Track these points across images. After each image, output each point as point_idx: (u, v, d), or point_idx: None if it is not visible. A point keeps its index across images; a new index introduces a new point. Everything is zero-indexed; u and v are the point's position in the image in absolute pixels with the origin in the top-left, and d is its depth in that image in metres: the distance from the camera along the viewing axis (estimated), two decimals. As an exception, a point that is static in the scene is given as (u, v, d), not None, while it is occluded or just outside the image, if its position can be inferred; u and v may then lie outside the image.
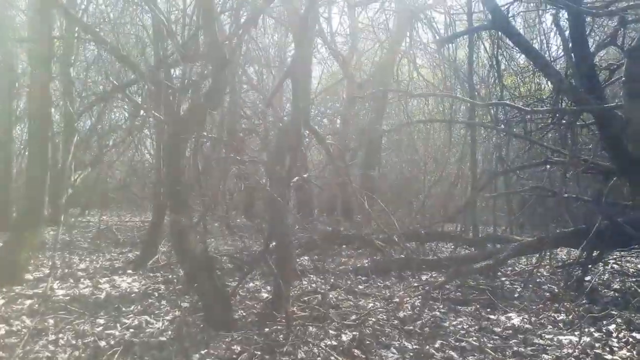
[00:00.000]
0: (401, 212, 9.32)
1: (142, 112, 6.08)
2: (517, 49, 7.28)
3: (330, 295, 4.88)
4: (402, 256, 6.43)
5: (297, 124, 4.43)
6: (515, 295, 5.15)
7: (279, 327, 3.81)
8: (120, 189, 8.55)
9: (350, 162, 7.65)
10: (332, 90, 14.20)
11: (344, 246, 8.14)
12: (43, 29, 5.72)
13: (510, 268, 6.50)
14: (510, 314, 4.44)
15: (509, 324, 4.14)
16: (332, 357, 3.21)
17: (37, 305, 4.48)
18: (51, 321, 4.02)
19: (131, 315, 4.27)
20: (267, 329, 3.78)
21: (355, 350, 3.38)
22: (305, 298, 4.70)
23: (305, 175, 6.30)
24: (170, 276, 5.83)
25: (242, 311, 4.36)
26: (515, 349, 3.54)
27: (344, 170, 6.28)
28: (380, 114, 12.12)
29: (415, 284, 5.56)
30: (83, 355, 3.33)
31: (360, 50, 13.89)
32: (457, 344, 3.64)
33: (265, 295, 4.95)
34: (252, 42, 4.62)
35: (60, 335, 3.69)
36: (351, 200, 12.59)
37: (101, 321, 4.07)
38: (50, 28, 6.12)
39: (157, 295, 5.04)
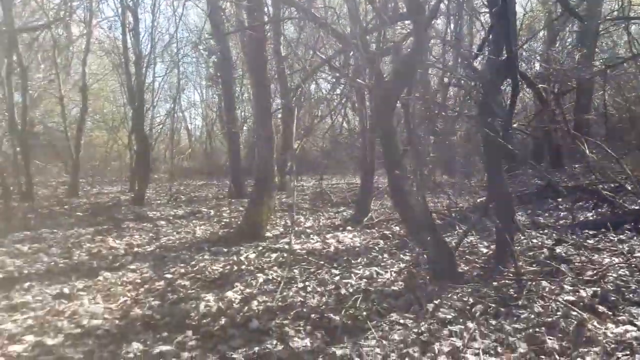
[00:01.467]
0: (631, 158, 8.15)
1: (344, 80, 6.43)
2: None
3: (558, 250, 4.62)
4: (637, 207, 5.70)
5: (511, 70, 4.20)
6: None
7: (507, 282, 3.78)
8: (329, 154, 9.27)
9: (564, 106, 6.95)
10: (528, 29, 12.88)
11: (559, 199, 7.53)
12: (256, 16, 6.39)
13: None
14: None
15: None
16: (574, 312, 3.08)
17: (281, 258, 5.24)
18: (296, 271, 4.66)
19: (360, 266, 4.70)
20: (495, 283, 3.78)
21: (599, 307, 3.17)
22: (530, 253, 4.54)
23: (514, 125, 5.98)
24: (386, 232, 6.19)
25: (464, 265, 4.42)
26: None
27: (561, 115, 5.75)
28: (591, 49, 10.62)
29: (660, 237, 4.89)
30: (329, 300, 3.80)
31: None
32: None
33: (484, 250, 4.92)
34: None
35: (307, 284, 4.26)
36: (562, 148, 11.46)
37: (336, 272, 4.56)
38: (262, 14, 6.80)
39: (377, 249, 5.42)
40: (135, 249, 6.09)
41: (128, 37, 10.71)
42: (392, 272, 4.42)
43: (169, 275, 4.81)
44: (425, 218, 4.04)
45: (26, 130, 10.75)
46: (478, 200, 7.37)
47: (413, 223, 4.10)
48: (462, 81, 5.43)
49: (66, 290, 4.34)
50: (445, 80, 6.05)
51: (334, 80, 8.16)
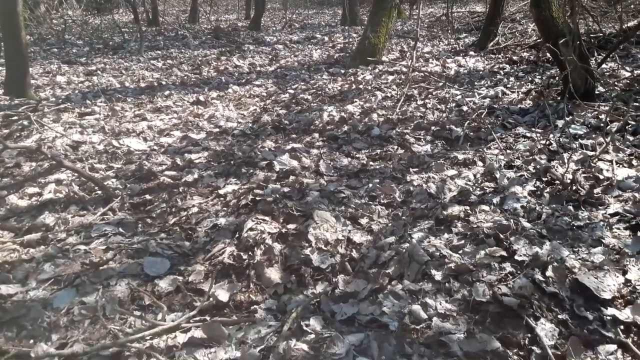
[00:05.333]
0: None
1: None
2: None
3: None
4: None
5: None
6: None
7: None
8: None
9: None
10: None
11: None
12: None
13: None
14: None
15: None
16: None
17: (399, 80, 5.18)
18: (415, 90, 4.61)
19: (484, 88, 4.52)
20: (637, 103, 3.46)
21: None
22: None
23: None
24: (513, 57, 5.76)
25: (602, 87, 4.07)
26: None
27: None
28: None
29: None
30: (451, 116, 3.78)
31: None
32: None
33: (626, 74, 4.44)
34: None
35: (427, 101, 4.24)
36: None
37: (457, 92, 4.45)
38: None
39: (503, 73, 5.12)
40: (258, 68, 6.35)
41: None
42: (520, 93, 4.21)
43: (291, 91, 5.04)
44: (570, 32, 3.64)
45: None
46: (624, 27, 6.44)
47: (553, 35, 3.73)
48: None
49: (201, 98, 4.75)
50: None
51: None
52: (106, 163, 3.08)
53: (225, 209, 2.35)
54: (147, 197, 2.54)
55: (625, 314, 1.48)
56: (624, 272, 1.65)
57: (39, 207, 2.43)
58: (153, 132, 3.74)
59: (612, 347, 1.39)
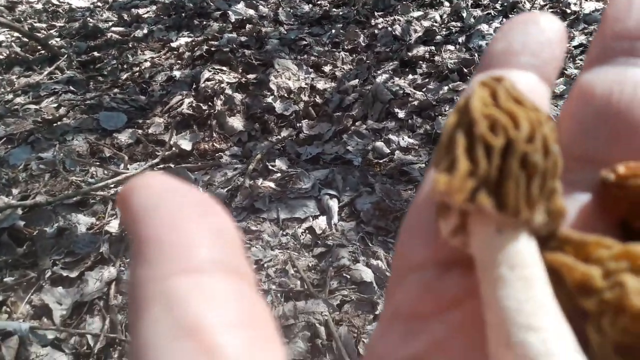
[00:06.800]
0: None
1: None
2: None
3: None
4: None
5: None
6: None
7: None
8: None
9: None
10: None
11: None
12: None
13: None
14: None
15: None
16: None
17: None
18: None
19: None
20: None
21: None
22: None
23: None
24: None
25: None
26: None
27: None
28: None
29: None
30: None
31: None
32: None
33: None
34: None
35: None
36: None
37: None
38: None
39: None
40: None
41: None
42: None
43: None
44: None
45: None
46: None
47: None
48: None
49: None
50: None
51: None
52: (47, 22, 2.82)
53: (179, 61, 2.23)
54: (96, 54, 2.37)
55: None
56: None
57: (-22, 70, 2.25)
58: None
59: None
